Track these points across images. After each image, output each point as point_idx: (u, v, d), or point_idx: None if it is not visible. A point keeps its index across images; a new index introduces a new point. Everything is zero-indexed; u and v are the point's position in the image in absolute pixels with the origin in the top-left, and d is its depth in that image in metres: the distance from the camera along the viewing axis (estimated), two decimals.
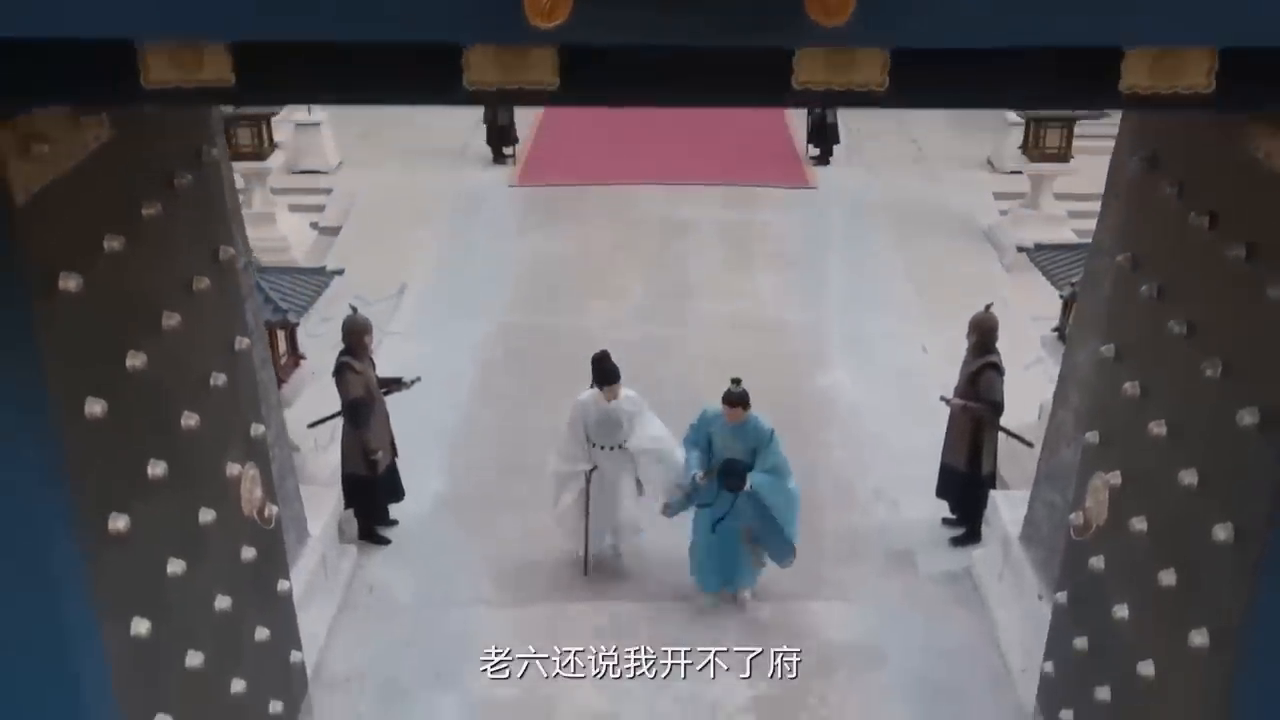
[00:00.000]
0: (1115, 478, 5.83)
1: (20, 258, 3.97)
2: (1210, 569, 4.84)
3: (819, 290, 14.13)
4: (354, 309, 9.07)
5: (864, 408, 11.61)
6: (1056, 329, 9.95)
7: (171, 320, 5.05)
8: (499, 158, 18.06)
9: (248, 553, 6.03)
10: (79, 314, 4.28)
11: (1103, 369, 6.16)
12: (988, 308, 9.12)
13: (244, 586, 5.93)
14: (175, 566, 5.10)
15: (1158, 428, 5.28)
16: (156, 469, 4.91)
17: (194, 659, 5.27)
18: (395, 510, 9.69)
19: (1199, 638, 4.79)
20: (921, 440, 10.53)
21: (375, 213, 16.25)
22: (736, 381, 8.24)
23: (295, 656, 6.84)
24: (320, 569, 8.55)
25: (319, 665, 8.06)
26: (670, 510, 8.76)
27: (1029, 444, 9.32)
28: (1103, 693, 5.84)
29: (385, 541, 9.50)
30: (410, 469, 9.78)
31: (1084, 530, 6.19)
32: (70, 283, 4.16)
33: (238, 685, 5.85)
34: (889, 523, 9.88)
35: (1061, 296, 9.51)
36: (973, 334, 9.04)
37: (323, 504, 8.94)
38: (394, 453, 9.44)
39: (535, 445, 10.81)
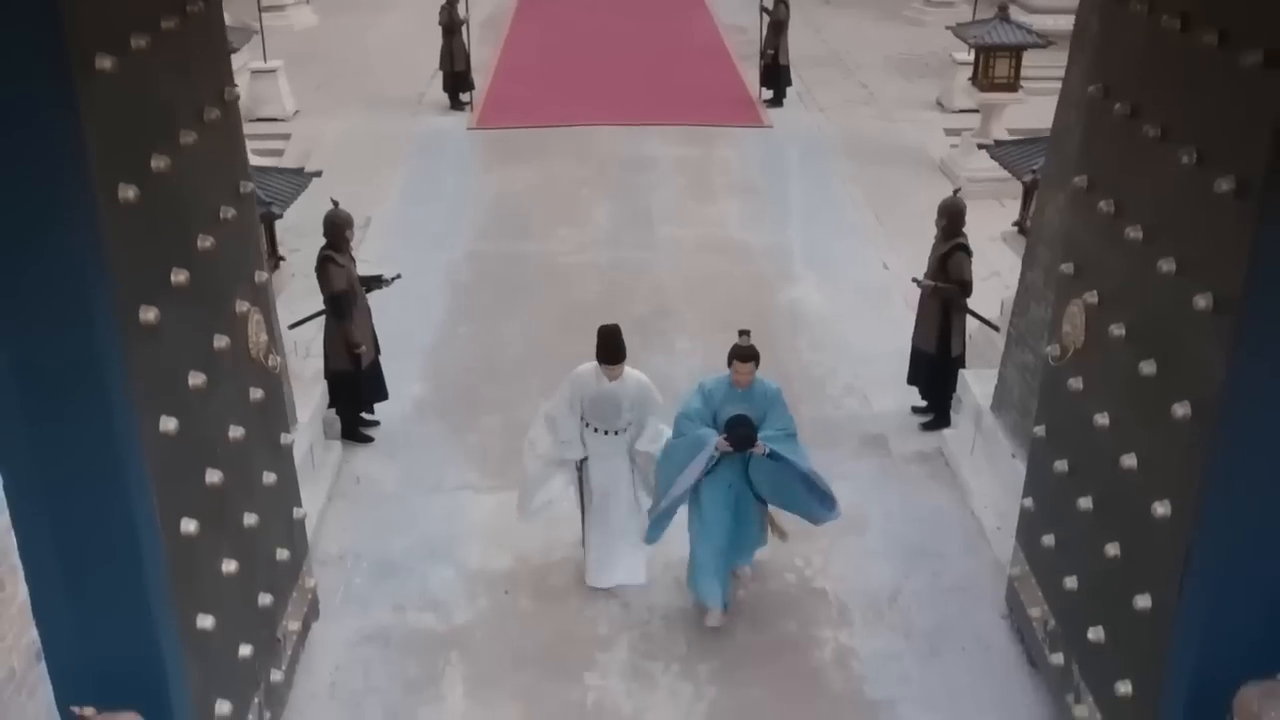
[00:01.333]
0: (1092, 296, 6.13)
1: (63, 33, 4.10)
2: (1189, 350, 5.14)
3: (780, 216, 14.42)
4: (335, 203, 9.17)
5: (831, 317, 11.91)
6: (1016, 223, 10.30)
7: (189, 138, 5.18)
8: (456, 104, 18.16)
9: (255, 394, 6.15)
10: (115, 99, 4.41)
11: (1077, 198, 6.45)
12: (956, 192, 9.43)
13: (253, 425, 6.05)
14: (196, 379, 5.22)
15: (1134, 231, 5.57)
16: (180, 276, 5.04)
17: (213, 476, 5.39)
18: (377, 412, 9.81)
19: (1181, 409, 5.08)
20: (887, 345, 10.88)
21: (335, 154, 16.27)
22: (745, 334, 7.09)
23: (298, 512, 6.96)
24: (308, 459, 8.65)
25: (311, 546, 8.17)
26: (654, 514, 7.45)
27: (995, 327, 9.64)
28: (1085, 502, 6.13)
29: (369, 439, 9.62)
30: (390, 378, 9.89)
31: (1062, 357, 6.49)
32: (106, 63, 4.29)
33: (250, 519, 5.98)
34: (861, 413, 10.16)
35: (1023, 181, 9.82)
36: (941, 218, 9.34)
37: (308, 399, 9.02)
38: (377, 350, 9.56)
39: (513, 353, 11.07)
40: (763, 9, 18.18)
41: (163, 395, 4.92)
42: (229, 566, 5.62)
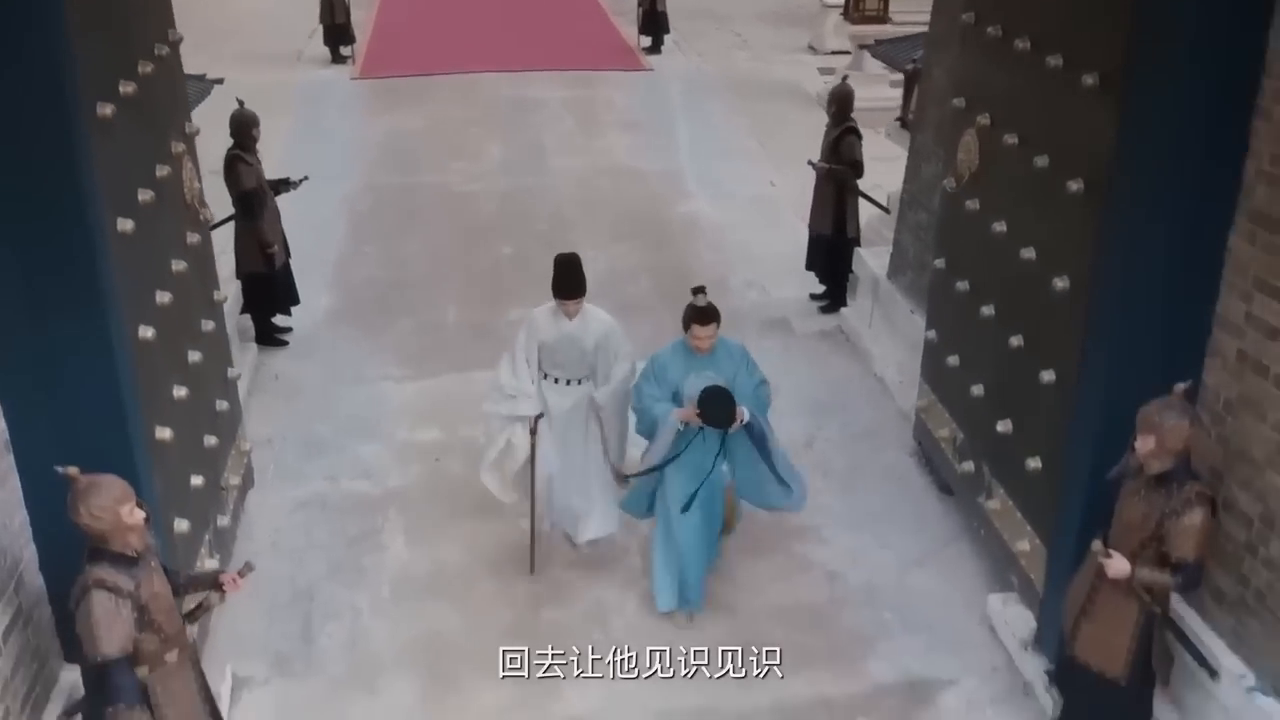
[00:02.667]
0: (984, 118, 6.63)
1: None
2: (1078, 135, 5.64)
3: (668, 146, 14.84)
4: (240, 103, 9.23)
5: (726, 225, 12.34)
6: (899, 118, 10.85)
7: None
8: (337, 57, 18.14)
9: (192, 238, 6.26)
10: None
11: (966, 34, 6.94)
12: (844, 79, 9.92)
13: (192, 265, 6.16)
14: (145, 195, 5.33)
15: (1021, 42, 6.06)
16: (128, 88, 5.15)
17: (163, 297, 5.50)
18: (289, 320, 9.87)
19: (1073, 185, 5.57)
20: (781, 248, 11.40)
21: (217, 105, 16.10)
22: (701, 291, 6.04)
23: (231, 371, 7.07)
24: None
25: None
26: (627, 483, 6.64)
27: (886, 209, 10.16)
28: (987, 310, 6.62)
29: (283, 343, 9.68)
30: (299, 291, 9.95)
31: (959, 183, 6.97)
32: None
33: (194, 355, 6.09)
34: (762, 302, 10.61)
35: (904, 71, 10.36)
36: (832, 105, 9.82)
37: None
38: (287, 253, 9.63)
39: (418, 266, 11.24)
40: None
41: (120, 198, 5.03)
42: (180, 392, 5.73)
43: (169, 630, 4.52)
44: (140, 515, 4.35)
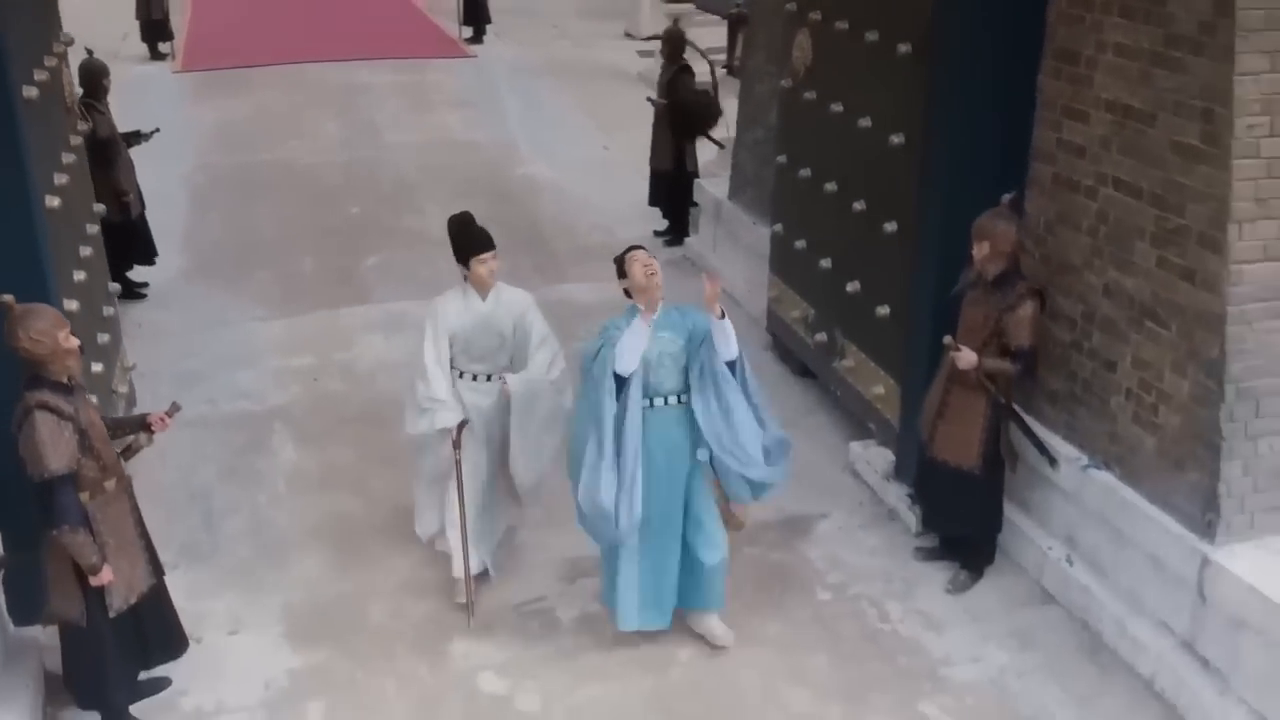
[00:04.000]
0: (815, 15, 7.32)
1: None
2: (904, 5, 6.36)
3: (500, 120, 15.24)
4: (90, 52, 9.25)
5: (565, 183, 12.83)
6: (726, 65, 11.56)
7: None
8: (156, 54, 17.92)
9: (74, 139, 6.41)
10: None
11: None
12: (676, 21, 10.57)
13: (75, 167, 6.29)
14: (30, 92, 5.43)
15: None
16: None
17: (52, 202, 5.58)
18: (144, 277, 9.87)
19: (903, 47, 6.27)
20: (622, 198, 11.97)
21: None
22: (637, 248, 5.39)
23: (111, 286, 7.19)
24: None
25: None
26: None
27: (721, 145, 10.81)
28: (830, 186, 7.29)
29: (141, 295, 9.69)
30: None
31: (795, 79, 7.64)
32: None
33: (85, 250, 6.24)
34: (608, 241, 11.04)
35: (727, 17, 11.06)
36: (665, 46, 10.47)
37: None
38: (142, 204, 9.66)
39: (268, 228, 11.37)
40: None
41: (25, 68, 5.20)
42: (79, 275, 5.87)
43: (107, 459, 4.70)
44: (75, 342, 4.54)
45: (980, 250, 5.58)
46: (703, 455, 5.35)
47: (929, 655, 5.63)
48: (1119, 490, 5.59)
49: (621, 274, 5.30)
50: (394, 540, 6.42)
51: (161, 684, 5.27)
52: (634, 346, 5.10)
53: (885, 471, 6.86)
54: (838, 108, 7.13)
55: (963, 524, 6.03)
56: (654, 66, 16.79)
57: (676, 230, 10.84)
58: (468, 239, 5.66)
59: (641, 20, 19.18)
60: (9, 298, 4.45)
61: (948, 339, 5.67)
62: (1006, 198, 5.66)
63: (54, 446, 4.42)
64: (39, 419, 4.41)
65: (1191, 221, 5.10)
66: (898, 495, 6.69)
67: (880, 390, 6.94)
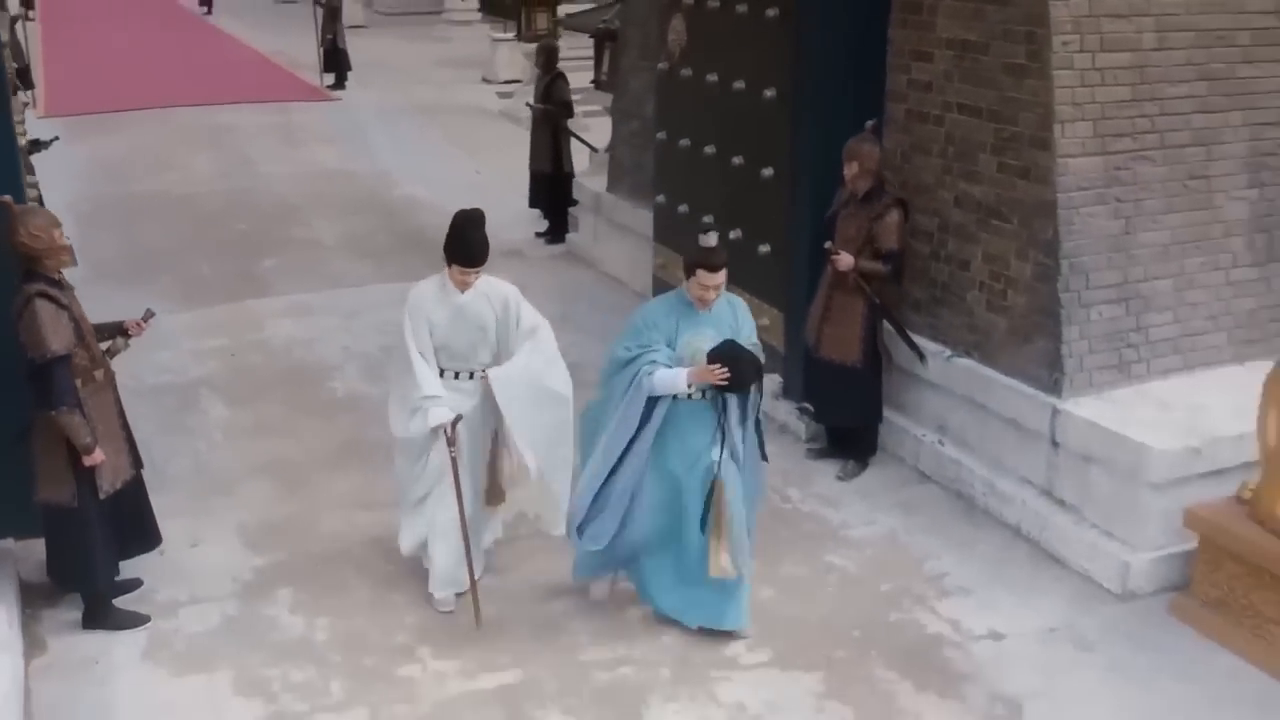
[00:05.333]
0: (688, 0, 8.24)
1: None
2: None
3: (372, 152, 15.82)
4: None
5: (444, 201, 13.32)
6: (594, 81, 12.44)
7: None
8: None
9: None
10: None
11: None
12: (554, 22, 11.41)
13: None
14: None
15: None
16: None
17: None
18: None
19: (770, 11, 7.20)
20: (500, 211, 12.53)
21: None
22: (710, 232, 5.19)
23: None
24: None
25: None
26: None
27: (595, 149, 11.64)
28: (709, 149, 8.15)
29: None
30: None
31: (671, 60, 8.53)
32: None
33: None
34: (494, 243, 11.75)
35: (593, 34, 11.97)
36: (540, 56, 11.32)
37: None
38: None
39: (160, 243, 11.70)
40: (315, 1, 19.60)
41: None
42: None
43: (94, 351, 5.16)
44: (68, 240, 5.01)
45: (850, 170, 6.49)
46: (716, 454, 5.10)
47: (829, 523, 6.41)
48: (979, 371, 6.51)
49: (690, 267, 5.07)
50: (335, 471, 6.92)
51: (134, 584, 5.66)
52: (670, 389, 4.98)
53: (774, 392, 7.64)
54: (713, 78, 8.02)
55: (850, 414, 6.87)
56: (515, 105, 17.77)
57: (557, 229, 11.59)
58: (467, 246, 5.28)
59: (498, 66, 20.04)
60: (7, 198, 4.90)
61: (828, 244, 6.53)
62: (870, 124, 6.60)
63: (54, 330, 4.87)
64: (39, 305, 4.86)
65: (1023, 128, 6.10)
66: (787, 411, 7.49)
67: (765, 321, 7.72)
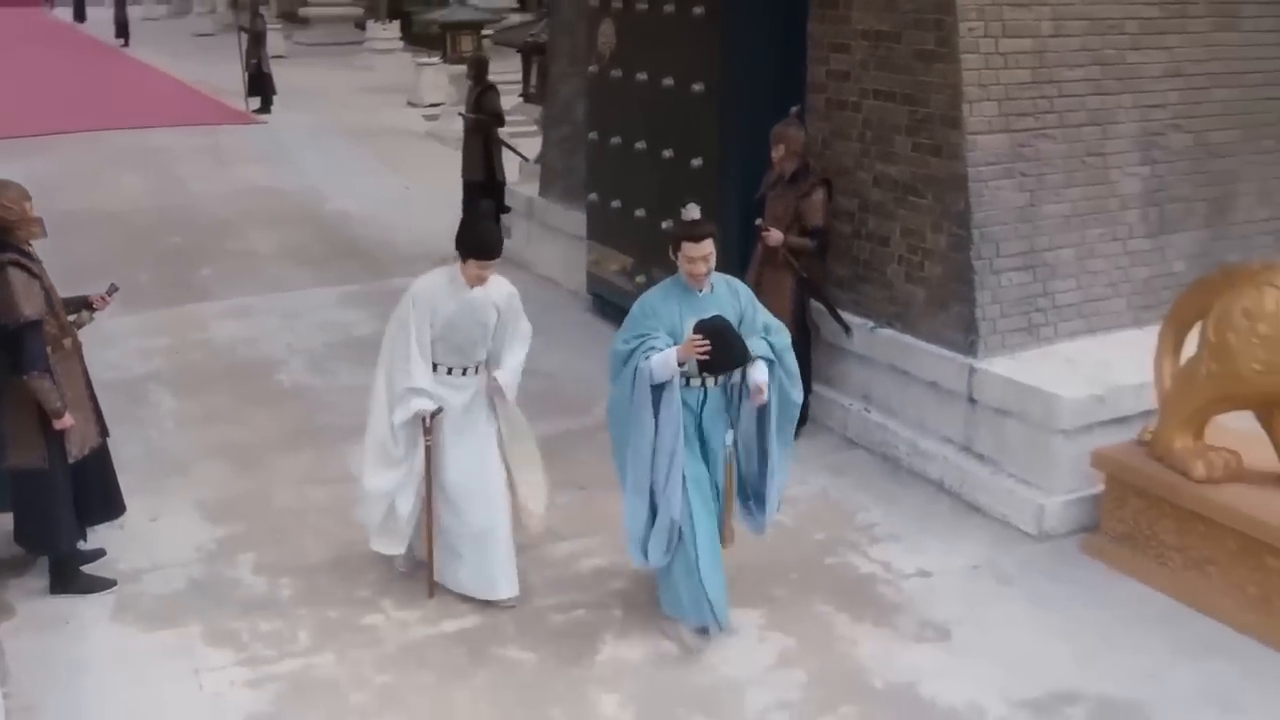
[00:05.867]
0: (618, 3, 8.64)
1: None
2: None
3: (302, 171, 16.02)
4: None
5: (376, 214, 13.71)
6: (522, 95, 12.80)
7: None
8: None
9: None
10: None
11: None
12: (479, 45, 11.76)
13: None
14: None
15: None
16: None
17: None
18: None
19: (697, 10, 7.64)
20: (430, 222, 12.91)
21: None
22: (692, 206, 5.20)
23: None
24: None
25: None
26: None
27: (525, 158, 12.00)
28: (640, 145, 8.54)
29: None
30: None
31: (601, 62, 8.92)
32: None
33: None
34: (426, 251, 11.89)
35: (520, 48, 12.35)
36: (472, 69, 11.67)
37: None
38: None
39: (93, 258, 11.72)
40: (240, 27, 19.77)
41: None
42: None
43: (63, 320, 5.38)
44: (38, 214, 5.23)
45: (778, 152, 6.91)
46: (729, 439, 5.11)
47: None
48: (900, 340, 6.95)
49: (675, 241, 5.04)
50: (287, 452, 7.14)
51: (98, 554, 5.83)
52: (666, 369, 4.85)
53: None
54: (642, 76, 8.43)
55: None
56: (441, 126, 18.09)
57: None
58: (478, 241, 5.26)
59: (423, 90, 20.36)
60: None
61: (759, 221, 6.94)
62: (794, 109, 7.05)
63: (27, 296, 5.08)
64: (12, 273, 5.07)
65: (935, 109, 6.57)
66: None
67: None
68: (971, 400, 6.50)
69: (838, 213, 7.23)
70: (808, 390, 7.29)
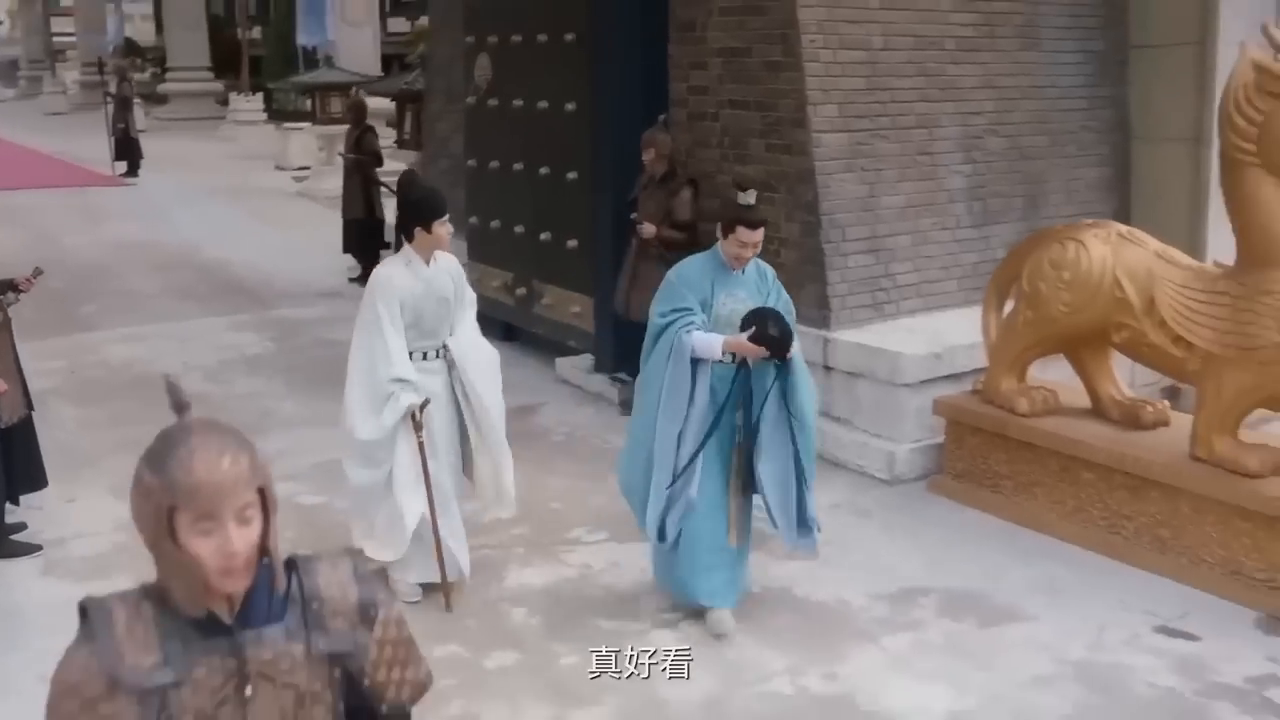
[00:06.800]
0: (493, 39, 9.38)
1: None
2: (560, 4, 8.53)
3: (177, 226, 16.26)
4: None
5: (257, 260, 14.05)
6: (397, 140, 13.42)
7: None
8: None
9: None
10: None
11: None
12: (356, 91, 12.38)
13: None
14: None
15: None
16: None
17: None
18: None
19: (569, 36, 8.42)
20: (313, 266, 13.43)
21: None
22: (747, 190, 5.08)
23: None
24: None
25: None
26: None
27: (394, 190, 12.56)
28: (518, 166, 9.24)
29: None
30: None
31: (479, 93, 9.63)
32: None
33: None
34: (311, 289, 12.50)
35: (394, 97, 12.99)
36: (350, 112, 12.26)
37: None
38: None
39: None
40: (106, 93, 19.96)
41: None
42: None
43: None
44: None
45: (648, 155, 7.69)
46: (738, 419, 5.13)
47: None
48: None
49: (730, 224, 5.03)
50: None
51: (19, 526, 6.15)
52: (707, 353, 4.96)
53: (588, 369, 8.69)
54: (518, 102, 9.16)
55: None
56: (312, 185, 18.54)
57: (370, 272, 12.37)
58: (426, 205, 5.36)
59: (291, 154, 20.79)
60: None
61: (634, 216, 7.68)
62: (661, 117, 7.85)
63: None
64: None
65: (784, 113, 7.43)
66: (600, 383, 8.52)
67: (577, 309, 8.82)
68: (827, 368, 7.28)
69: (703, 214, 8.01)
70: None
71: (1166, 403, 6.41)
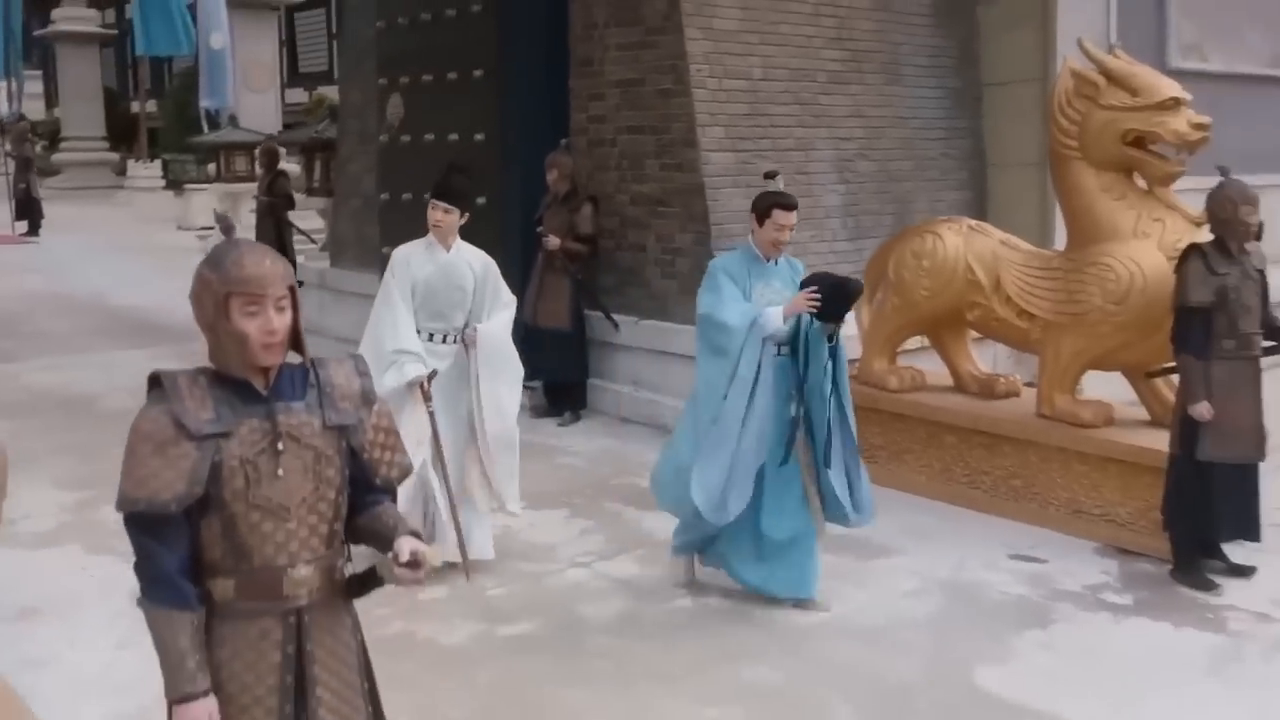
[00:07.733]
0: (405, 78, 10.08)
1: None
2: (470, 37, 9.27)
3: (83, 280, 16.42)
4: None
5: (169, 308, 14.21)
6: (307, 188, 13.97)
7: None
8: None
9: None
10: None
11: (379, 40, 10.41)
12: (269, 138, 12.94)
13: None
14: None
15: (416, 34, 9.67)
16: None
17: None
18: None
19: (478, 72, 9.15)
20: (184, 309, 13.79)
21: None
22: (772, 175, 5.34)
23: None
24: None
25: None
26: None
27: (314, 240, 13.12)
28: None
29: None
30: None
31: (391, 131, 10.30)
32: None
33: None
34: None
35: (307, 142, 13.59)
36: (264, 157, 12.84)
37: None
38: None
39: None
40: (6, 152, 20.14)
41: None
42: None
43: None
44: None
45: (552, 175, 8.43)
46: (794, 410, 5.17)
47: (558, 445, 8.09)
48: (660, 326, 8.45)
49: (766, 209, 5.14)
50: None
51: None
52: (773, 325, 5.03)
53: None
54: (430, 137, 9.86)
55: (566, 371, 8.60)
56: (214, 239, 18.88)
57: None
58: (438, 181, 5.70)
59: (192, 214, 21.14)
60: None
61: (540, 229, 8.38)
62: (564, 141, 8.61)
63: None
64: None
65: (676, 135, 8.25)
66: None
67: None
68: None
69: (603, 231, 8.76)
70: (585, 375, 8.73)
71: (1017, 376, 7.28)
